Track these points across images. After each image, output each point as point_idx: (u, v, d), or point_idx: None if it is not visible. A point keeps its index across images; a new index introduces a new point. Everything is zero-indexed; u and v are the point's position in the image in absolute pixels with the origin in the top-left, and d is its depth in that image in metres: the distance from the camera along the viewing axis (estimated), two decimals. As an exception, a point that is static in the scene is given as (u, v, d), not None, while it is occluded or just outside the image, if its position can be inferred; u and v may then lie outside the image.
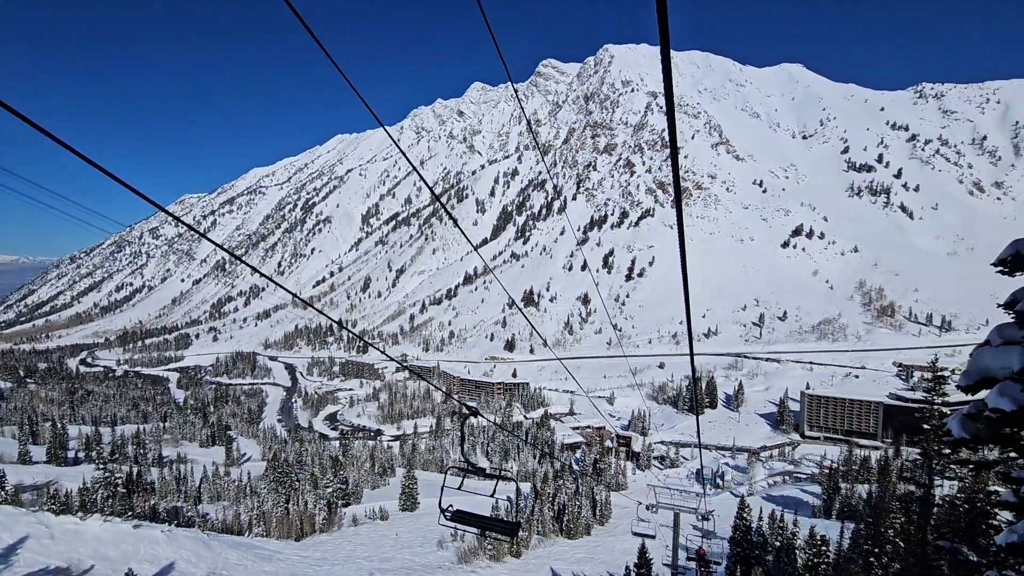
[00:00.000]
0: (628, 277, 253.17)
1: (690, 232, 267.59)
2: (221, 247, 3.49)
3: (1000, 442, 6.26)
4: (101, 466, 41.01)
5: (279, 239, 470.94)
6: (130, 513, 39.70)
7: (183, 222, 3.31)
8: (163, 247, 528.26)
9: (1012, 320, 6.16)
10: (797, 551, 37.47)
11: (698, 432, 10.74)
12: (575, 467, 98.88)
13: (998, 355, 5.92)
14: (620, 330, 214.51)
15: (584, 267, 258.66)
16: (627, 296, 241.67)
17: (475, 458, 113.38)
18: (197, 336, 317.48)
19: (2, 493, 43.90)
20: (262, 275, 3.80)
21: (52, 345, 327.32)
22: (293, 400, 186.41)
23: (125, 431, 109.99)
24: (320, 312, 4.61)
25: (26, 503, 49.14)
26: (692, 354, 5.22)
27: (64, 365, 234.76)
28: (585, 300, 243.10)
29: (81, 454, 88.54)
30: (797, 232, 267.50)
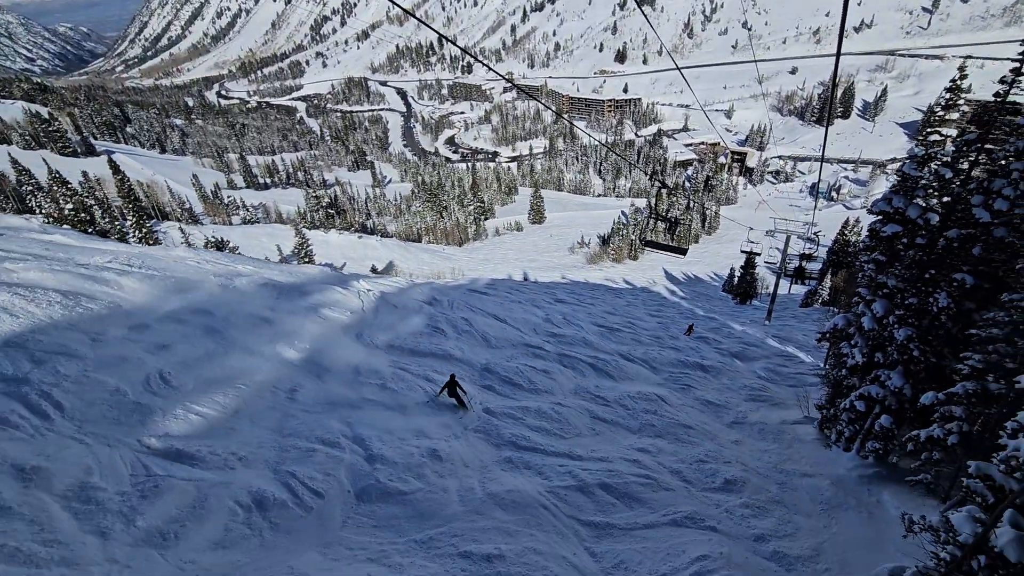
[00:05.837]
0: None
1: None
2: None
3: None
4: (312, 193, 53.43)
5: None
6: (353, 227, 53.35)
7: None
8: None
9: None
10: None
11: (823, 144, 9.06)
12: (687, 184, 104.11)
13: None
14: (751, 29, 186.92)
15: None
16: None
17: (587, 177, 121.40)
18: (307, 63, 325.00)
19: (249, 212, 59.31)
20: None
21: (186, 79, 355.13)
22: (412, 125, 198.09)
23: (285, 159, 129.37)
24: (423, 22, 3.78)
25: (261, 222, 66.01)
26: (839, 54, 4.32)
27: (205, 99, 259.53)
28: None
29: (268, 180, 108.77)
30: None
